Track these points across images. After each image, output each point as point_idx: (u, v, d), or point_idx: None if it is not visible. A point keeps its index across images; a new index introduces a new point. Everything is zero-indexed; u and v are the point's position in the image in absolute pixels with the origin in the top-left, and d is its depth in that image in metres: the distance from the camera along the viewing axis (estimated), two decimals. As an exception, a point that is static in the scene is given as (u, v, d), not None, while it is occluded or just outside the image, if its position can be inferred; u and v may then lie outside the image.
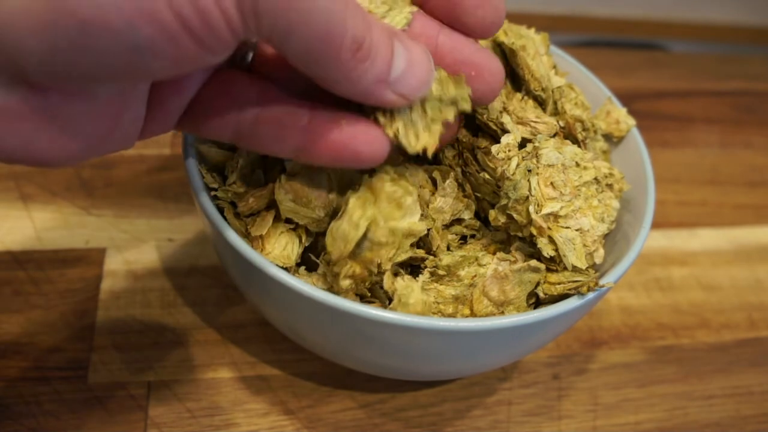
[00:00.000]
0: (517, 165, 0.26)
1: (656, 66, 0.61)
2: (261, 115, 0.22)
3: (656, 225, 0.44)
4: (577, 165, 0.27)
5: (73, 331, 0.32)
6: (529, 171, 0.26)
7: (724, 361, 0.38)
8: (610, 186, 0.28)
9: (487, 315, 0.26)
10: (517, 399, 0.34)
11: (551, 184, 0.26)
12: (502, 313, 0.26)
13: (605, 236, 0.27)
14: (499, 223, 0.27)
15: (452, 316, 0.26)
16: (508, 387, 0.34)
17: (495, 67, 0.23)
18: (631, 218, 0.29)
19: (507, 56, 0.30)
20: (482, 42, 0.29)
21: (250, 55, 0.23)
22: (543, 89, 0.29)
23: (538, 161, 0.26)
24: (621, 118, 0.32)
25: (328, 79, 0.19)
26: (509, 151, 0.26)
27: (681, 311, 0.40)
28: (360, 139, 0.21)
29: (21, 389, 0.30)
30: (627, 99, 0.36)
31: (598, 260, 0.27)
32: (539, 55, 0.30)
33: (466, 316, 0.26)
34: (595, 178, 0.27)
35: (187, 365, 0.32)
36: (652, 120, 0.54)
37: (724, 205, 0.48)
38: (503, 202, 0.26)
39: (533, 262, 0.26)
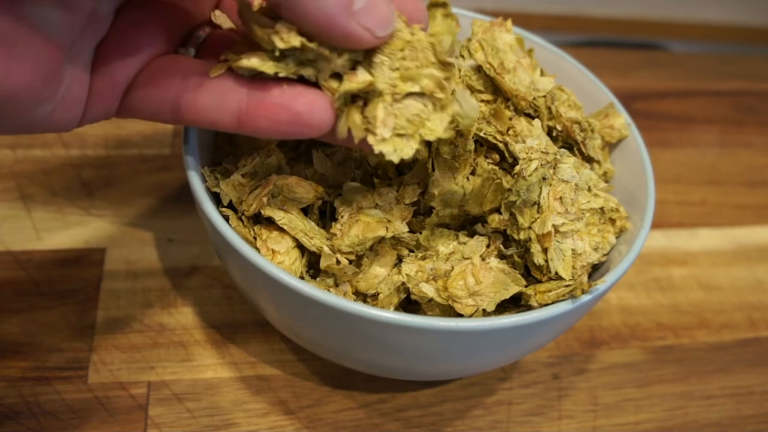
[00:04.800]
0: (536, 169, 0.26)
1: (656, 66, 0.61)
2: (202, 83, 0.22)
3: (656, 225, 0.44)
4: (589, 190, 0.27)
5: (73, 331, 0.32)
6: (544, 179, 0.26)
7: (724, 361, 0.38)
8: (612, 221, 0.28)
9: (458, 297, 0.26)
10: (517, 399, 0.34)
11: (560, 198, 0.26)
12: (475, 303, 0.26)
13: (592, 266, 0.28)
14: (496, 223, 0.27)
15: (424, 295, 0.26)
16: (508, 387, 0.34)
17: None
18: (631, 218, 0.29)
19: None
20: (461, 63, 0.30)
21: (192, 51, 0.24)
22: (532, 102, 0.29)
23: (554, 173, 0.26)
24: (617, 125, 0.32)
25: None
26: (532, 153, 0.27)
27: (681, 311, 0.40)
28: (300, 100, 0.21)
29: (21, 389, 0.30)
30: (627, 99, 0.36)
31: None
32: (519, 62, 0.30)
33: (439, 291, 0.26)
34: (602, 208, 0.27)
35: (187, 365, 0.32)
36: (652, 120, 0.54)
37: (724, 205, 0.48)
38: (512, 198, 0.26)
39: (518, 277, 0.26)
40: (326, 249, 0.26)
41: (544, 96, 0.30)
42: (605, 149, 0.32)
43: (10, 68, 0.18)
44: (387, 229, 0.26)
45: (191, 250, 0.37)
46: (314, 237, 0.26)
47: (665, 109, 0.56)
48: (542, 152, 0.27)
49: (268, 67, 0.21)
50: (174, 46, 0.24)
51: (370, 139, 0.22)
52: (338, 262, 0.26)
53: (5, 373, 0.30)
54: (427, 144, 0.27)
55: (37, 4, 0.18)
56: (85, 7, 0.20)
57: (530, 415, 0.33)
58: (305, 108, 0.21)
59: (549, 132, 0.30)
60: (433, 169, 0.27)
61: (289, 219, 0.26)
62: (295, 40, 0.21)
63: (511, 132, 0.28)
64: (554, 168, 0.27)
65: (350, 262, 0.27)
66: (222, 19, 0.26)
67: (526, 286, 0.26)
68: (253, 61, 0.21)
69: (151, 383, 0.31)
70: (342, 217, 0.27)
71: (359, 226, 0.26)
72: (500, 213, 0.28)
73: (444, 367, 0.28)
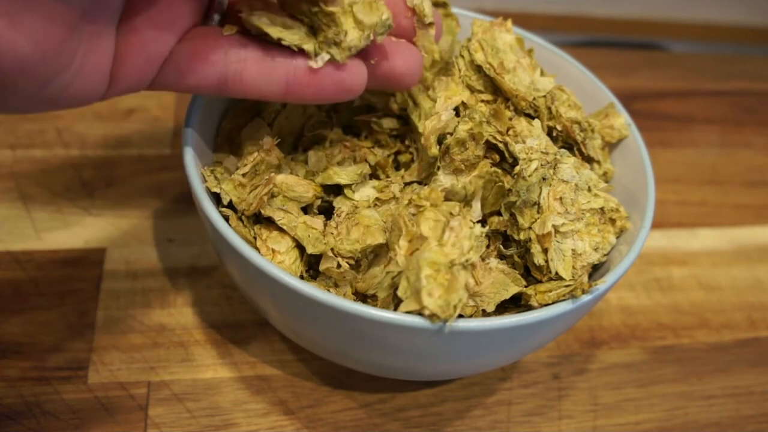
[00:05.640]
0: (536, 169, 0.26)
1: (656, 66, 0.61)
2: (248, 56, 0.23)
3: (656, 225, 0.44)
4: (589, 190, 0.27)
5: (73, 331, 0.32)
6: (544, 179, 0.26)
7: (724, 361, 0.38)
8: (612, 221, 0.28)
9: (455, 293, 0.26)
10: (517, 399, 0.34)
11: (560, 199, 0.26)
12: (475, 303, 0.26)
13: (592, 266, 0.28)
14: (495, 225, 0.27)
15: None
16: (508, 387, 0.34)
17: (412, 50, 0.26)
18: (631, 218, 0.29)
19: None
20: (461, 62, 0.30)
21: (217, 18, 0.24)
22: (532, 103, 0.29)
23: (554, 173, 0.26)
24: (617, 125, 0.32)
25: None
26: (531, 153, 0.27)
27: (681, 311, 0.40)
28: (344, 68, 0.23)
29: (21, 389, 0.30)
30: (627, 99, 0.36)
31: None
32: (519, 62, 0.30)
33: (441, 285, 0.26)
34: (602, 209, 0.27)
35: (187, 365, 0.32)
36: (652, 120, 0.54)
37: (724, 205, 0.48)
38: (512, 199, 0.26)
39: (518, 277, 0.26)
40: (328, 252, 0.26)
41: (544, 96, 0.30)
42: (605, 149, 0.32)
43: (14, 37, 0.18)
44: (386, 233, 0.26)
45: (191, 250, 0.37)
46: (316, 240, 0.26)
47: (665, 109, 0.56)
48: (542, 152, 0.27)
49: (273, 30, 0.22)
50: (201, 15, 0.24)
51: None
52: (339, 265, 0.26)
53: (5, 373, 0.30)
54: (438, 142, 0.28)
55: None
56: None
57: (530, 415, 0.33)
58: (348, 75, 0.23)
59: (549, 132, 0.30)
60: (438, 169, 0.27)
61: (289, 219, 0.26)
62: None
63: (511, 132, 0.28)
64: (554, 168, 0.27)
65: (350, 266, 0.27)
66: None
67: (526, 287, 0.26)
68: (263, 21, 0.22)
69: (151, 383, 0.31)
70: (339, 215, 0.27)
71: (359, 230, 0.26)
72: (500, 215, 0.28)
73: (444, 367, 0.28)
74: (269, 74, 0.23)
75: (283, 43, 0.23)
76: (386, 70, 0.25)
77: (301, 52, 0.23)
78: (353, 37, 0.23)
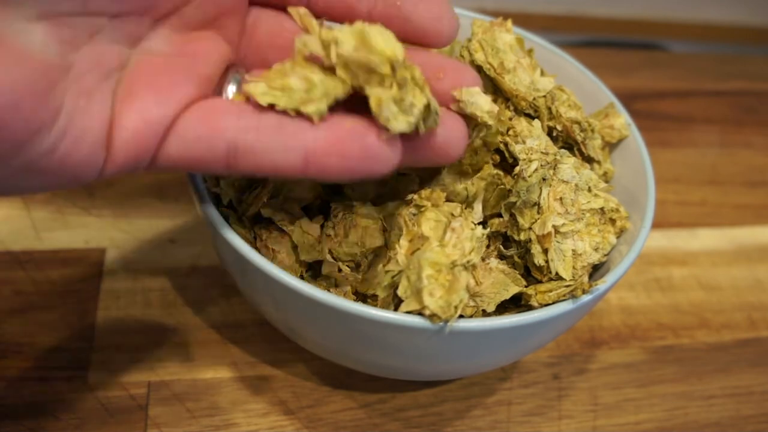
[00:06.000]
0: (536, 170, 0.26)
1: (656, 66, 0.61)
2: (260, 120, 0.20)
3: (656, 225, 0.44)
4: (589, 190, 0.27)
5: (73, 331, 0.32)
6: (544, 180, 0.26)
7: (724, 361, 0.38)
8: (612, 221, 0.28)
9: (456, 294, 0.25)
10: (517, 399, 0.34)
11: (560, 199, 0.26)
12: (475, 303, 0.26)
13: (592, 266, 0.28)
14: (496, 226, 0.27)
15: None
16: (508, 387, 0.34)
17: (470, 73, 0.23)
18: (631, 218, 0.29)
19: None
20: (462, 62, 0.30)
21: (233, 89, 0.22)
22: (532, 103, 0.29)
23: (554, 174, 0.26)
24: (617, 125, 0.32)
25: None
26: (531, 153, 0.27)
27: (681, 311, 0.40)
28: (372, 133, 0.20)
29: (21, 389, 0.30)
30: (627, 99, 0.36)
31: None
32: (519, 62, 0.30)
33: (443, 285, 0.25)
34: (602, 209, 0.27)
35: (187, 365, 0.32)
36: (652, 120, 0.54)
37: (724, 205, 0.48)
38: (512, 199, 0.26)
39: (518, 277, 0.26)
40: (328, 257, 0.26)
41: (544, 96, 0.30)
42: (605, 149, 0.32)
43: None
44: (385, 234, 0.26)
45: (191, 250, 0.37)
46: (310, 247, 0.26)
47: (665, 109, 0.56)
48: (542, 153, 0.27)
49: (265, 97, 0.20)
50: (209, 88, 0.21)
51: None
52: (340, 270, 0.26)
53: (5, 373, 0.30)
54: None
55: (9, 17, 0.16)
56: (79, 26, 0.18)
57: (530, 415, 0.33)
58: (376, 141, 0.20)
59: (549, 132, 0.30)
60: (443, 169, 0.27)
61: (289, 220, 0.26)
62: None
63: (511, 132, 0.28)
64: (554, 168, 0.27)
65: (350, 268, 0.27)
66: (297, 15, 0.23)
67: (526, 287, 0.26)
68: (258, 86, 0.20)
69: (151, 383, 0.31)
70: (336, 216, 0.27)
71: (357, 232, 0.26)
72: (501, 217, 0.28)
73: (444, 367, 0.28)
74: (285, 143, 0.20)
75: (277, 109, 0.20)
76: (426, 140, 0.22)
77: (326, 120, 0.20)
78: (401, 120, 0.20)
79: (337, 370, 0.33)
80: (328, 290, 0.26)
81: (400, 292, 0.23)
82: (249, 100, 0.20)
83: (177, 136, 0.20)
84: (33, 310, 0.33)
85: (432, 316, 0.22)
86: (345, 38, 0.20)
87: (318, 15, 0.23)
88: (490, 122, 0.24)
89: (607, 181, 0.31)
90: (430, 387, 0.33)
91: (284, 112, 0.20)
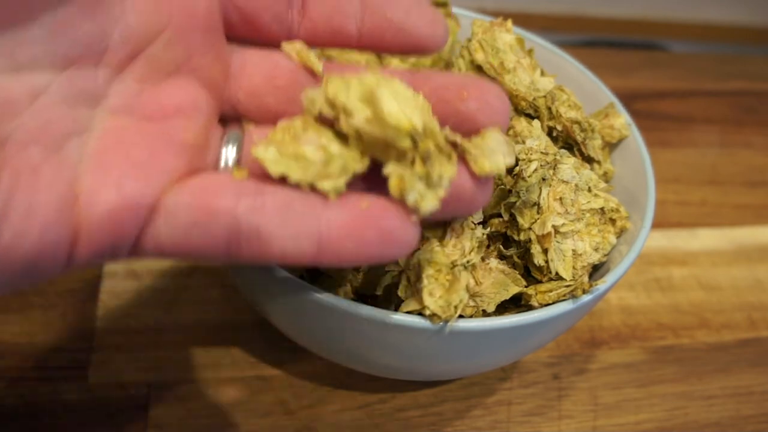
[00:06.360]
0: (535, 170, 0.26)
1: (656, 66, 0.61)
2: (265, 199, 0.17)
3: (656, 225, 0.44)
4: (589, 190, 0.27)
5: (73, 331, 0.32)
6: (544, 180, 0.26)
7: (724, 361, 0.38)
8: (612, 221, 0.28)
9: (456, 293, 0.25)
10: (517, 399, 0.34)
11: (560, 199, 0.26)
12: (475, 303, 0.26)
13: (592, 266, 0.28)
14: (496, 226, 0.27)
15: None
16: (508, 387, 0.34)
17: (493, 89, 0.20)
18: (631, 218, 0.29)
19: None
20: (461, 63, 0.30)
21: (233, 160, 0.20)
22: (532, 103, 0.29)
23: (554, 174, 0.26)
24: (617, 125, 0.32)
25: None
26: (531, 154, 0.27)
27: (681, 311, 0.40)
28: (389, 214, 0.17)
29: (21, 389, 0.30)
30: (627, 99, 0.36)
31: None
32: (519, 62, 0.30)
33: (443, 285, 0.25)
34: (602, 209, 0.27)
35: (187, 365, 0.32)
36: (652, 120, 0.54)
37: (724, 205, 0.48)
38: (512, 199, 0.26)
39: (518, 277, 0.26)
40: None
41: (544, 96, 0.30)
42: (605, 149, 0.32)
43: None
44: None
45: (191, 250, 0.37)
46: None
47: (665, 109, 0.56)
48: (542, 153, 0.27)
49: (276, 167, 0.17)
50: (198, 157, 0.19)
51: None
52: (340, 269, 0.26)
53: (5, 373, 0.30)
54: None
55: None
56: (12, 88, 0.15)
57: (530, 415, 0.33)
58: (395, 224, 0.17)
59: (549, 132, 0.30)
60: None
61: None
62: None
63: (510, 132, 0.28)
64: (554, 168, 0.27)
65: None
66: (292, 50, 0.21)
67: (526, 287, 0.26)
68: (268, 152, 0.17)
69: (151, 383, 0.31)
70: None
71: None
72: (500, 217, 0.28)
73: (444, 367, 0.28)
74: (296, 226, 0.17)
75: (290, 182, 0.17)
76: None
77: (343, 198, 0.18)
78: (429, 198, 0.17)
79: (337, 370, 0.33)
80: (329, 290, 0.26)
81: (399, 292, 0.23)
82: (252, 168, 0.18)
83: (167, 220, 0.17)
84: (33, 310, 0.33)
85: (432, 316, 0.22)
86: (355, 107, 0.17)
87: (308, 43, 0.21)
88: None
89: (607, 181, 0.31)
90: (430, 387, 0.33)
91: (295, 186, 0.18)
